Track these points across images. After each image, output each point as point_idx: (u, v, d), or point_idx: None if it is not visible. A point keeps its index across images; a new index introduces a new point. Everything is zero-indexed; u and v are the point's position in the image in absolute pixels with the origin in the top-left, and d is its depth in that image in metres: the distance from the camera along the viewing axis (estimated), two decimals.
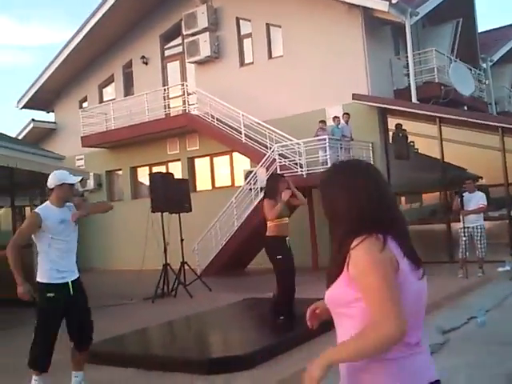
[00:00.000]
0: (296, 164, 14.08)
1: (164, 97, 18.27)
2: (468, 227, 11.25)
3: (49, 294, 4.61)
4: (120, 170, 20.06)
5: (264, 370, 5.39)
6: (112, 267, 19.03)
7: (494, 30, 22.02)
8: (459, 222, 12.08)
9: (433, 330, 6.84)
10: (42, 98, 21.42)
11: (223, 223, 14.98)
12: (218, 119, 16.18)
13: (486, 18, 54.59)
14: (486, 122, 13.12)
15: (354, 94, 14.29)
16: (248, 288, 11.79)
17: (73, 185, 4.87)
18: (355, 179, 2.06)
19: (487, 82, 17.95)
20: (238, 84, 16.78)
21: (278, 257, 7.04)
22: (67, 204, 4.87)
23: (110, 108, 19.17)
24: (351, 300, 1.94)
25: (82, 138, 19.00)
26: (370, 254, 1.90)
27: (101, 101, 20.65)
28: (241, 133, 15.54)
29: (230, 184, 17.49)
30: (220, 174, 18.04)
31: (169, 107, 18.24)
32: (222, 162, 17.97)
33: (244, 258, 15.32)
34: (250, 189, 14.53)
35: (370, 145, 14.66)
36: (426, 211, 15.55)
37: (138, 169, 19.89)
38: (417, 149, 15.68)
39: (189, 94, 17.22)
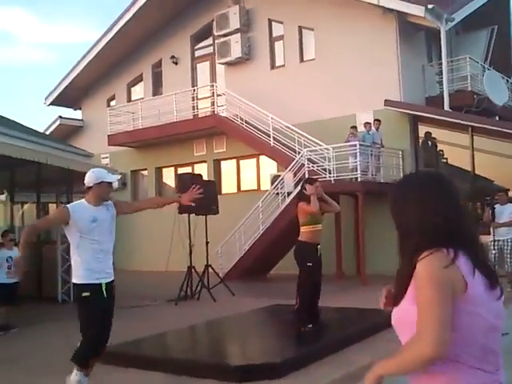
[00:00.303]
0: (325, 170, 13.91)
1: (193, 97, 18.22)
2: (498, 240, 10.97)
3: (84, 294, 4.50)
4: (145, 169, 20.04)
5: (295, 379, 5.22)
6: (134, 268, 18.99)
7: None
8: (488, 234, 11.85)
9: None
10: (70, 96, 21.52)
11: (248, 227, 14.83)
12: (246, 121, 16.07)
13: None
14: None
15: (386, 101, 14.07)
16: (271, 294, 11.61)
17: (111, 183, 4.74)
18: (427, 191, 1.94)
19: None
20: (268, 86, 16.65)
21: (308, 264, 6.86)
22: (105, 203, 4.74)
23: (137, 107, 19.18)
24: (414, 320, 1.79)
25: (108, 136, 19.02)
26: (432, 268, 1.78)
27: (129, 100, 20.68)
28: (269, 136, 15.41)
29: (255, 188, 17.35)
30: (246, 177, 17.90)
31: (197, 108, 18.16)
32: (248, 165, 17.83)
33: (267, 263, 15.15)
34: (277, 193, 14.36)
35: (400, 152, 14.41)
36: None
37: (164, 169, 19.85)
38: (446, 158, 15.41)
39: (218, 96, 17.11)
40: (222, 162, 18.17)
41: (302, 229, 7.03)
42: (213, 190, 12.07)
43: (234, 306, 10.01)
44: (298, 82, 16.28)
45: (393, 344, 6.50)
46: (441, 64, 16.05)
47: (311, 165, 13.94)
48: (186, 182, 11.23)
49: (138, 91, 20.80)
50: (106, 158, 20.40)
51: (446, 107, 14.15)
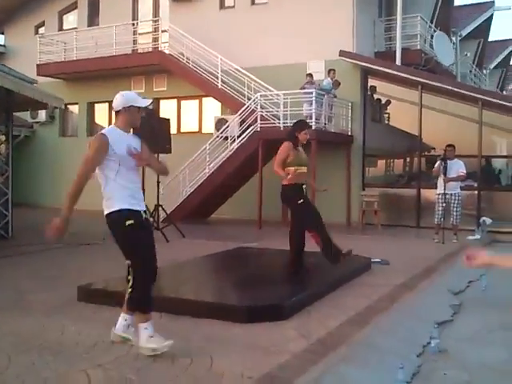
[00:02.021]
0: (274, 116, 13.72)
1: (134, 31, 17.31)
2: (446, 194, 11.32)
3: (128, 222, 4.06)
4: (76, 103, 18.93)
5: (301, 321, 5.13)
6: (59, 205, 18.07)
7: (465, 5, 22.19)
8: (431, 188, 12.26)
9: (445, 292, 6.81)
10: None
11: (192, 170, 14.44)
12: (192, 61, 15.49)
13: None
14: (471, 93, 13.14)
15: (340, 51, 13.95)
16: (221, 237, 11.53)
17: (140, 108, 4.26)
18: None
19: (468, 54, 18.07)
20: (215, 28, 16.02)
21: (299, 201, 6.71)
22: (131, 134, 4.33)
23: (71, 37, 17.99)
24: None
25: (38, 65, 17.78)
26: None
27: (60, 28, 19.33)
28: (217, 78, 14.95)
29: (197, 130, 16.90)
30: (187, 118, 17.34)
31: (137, 43, 17.29)
32: (190, 106, 17.28)
33: (209, 206, 14.93)
34: (226, 137, 14.03)
35: (350, 104, 14.45)
36: (397, 176, 15.62)
37: (96, 105, 18.88)
38: (388, 113, 15.67)
39: (163, 32, 16.31)
40: (162, 101, 17.47)
41: (286, 170, 6.78)
42: (167, 129, 11.61)
43: (193, 247, 9.79)
44: (248, 26, 15.79)
45: (373, 288, 6.63)
46: (389, 20, 16.15)
47: (262, 110, 13.68)
48: (142, 119, 10.66)
49: (70, 20, 19.44)
50: None
51: (398, 62, 14.25)
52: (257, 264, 7.74)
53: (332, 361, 4.08)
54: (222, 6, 16.52)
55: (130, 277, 4.19)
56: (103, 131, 4.20)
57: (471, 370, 4.27)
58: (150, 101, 4.36)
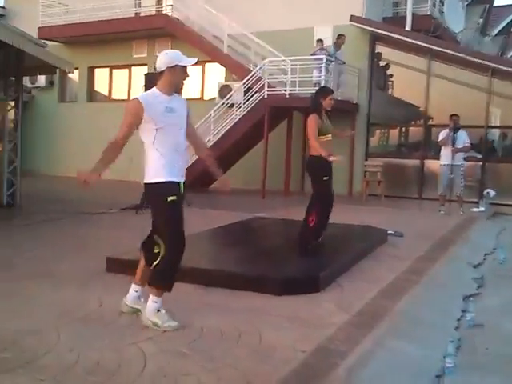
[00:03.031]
0: (280, 82, 13.56)
1: None
2: (454, 165, 11.31)
3: (170, 198, 3.93)
4: (76, 68, 18.48)
5: (335, 293, 5.13)
6: (59, 173, 17.97)
7: None
8: (435, 159, 12.26)
9: (465, 264, 6.85)
10: None
11: None
12: (199, 25, 15.21)
13: None
14: (486, 61, 12.95)
15: (352, 16, 13.72)
16: (228, 206, 11.40)
17: (186, 68, 4.06)
18: None
19: (480, 22, 17.83)
20: None
21: (324, 178, 6.62)
22: (178, 96, 4.18)
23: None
24: None
25: (39, 28, 17.35)
26: None
27: None
28: (223, 43, 14.70)
29: (199, 96, 16.69)
30: (189, 84, 17.04)
31: (140, 6, 16.92)
32: (193, 71, 16.91)
33: (211, 176, 14.74)
34: (232, 104, 13.85)
35: (357, 71, 14.29)
36: (400, 145, 15.58)
37: (97, 69, 18.55)
38: (392, 81, 15.53)
39: None
40: None
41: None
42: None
43: (202, 217, 9.72)
44: None
45: (396, 260, 6.63)
46: None
47: (269, 77, 13.50)
48: (155, 82, 10.48)
49: None
50: None
51: (408, 28, 14.05)
52: (275, 234, 7.73)
53: (379, 334, 4.09)
54: None
55: (158, 249, 4.10)
56: (138, 95, 4.06)
57: None
58: (196, 59, 4.13)
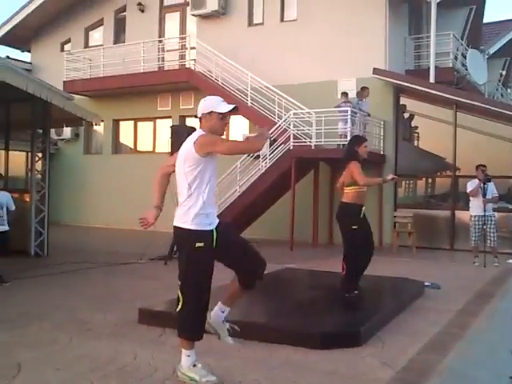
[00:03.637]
0: (305, 134, 13.56)
1: (158, 48, 17.28)
2: (484, 216, 11.13)
3: (198, 244, 3.81)
4: (102, 121, 18.79)
5: (376, 347, 4.90)
6: (83, 223, 18.01)
7: (490, 23, 22.00)
8: (464, 209, 12.09)
9: (508, 319, 6.57)
10: (19, 35, 19.87)
11: (222, 189, 14.18)
12: (222, 79, 15.41)
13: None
14: (508, 111, 12.89)
15: (374, 69, 13.78)
16: None
17: (224, 114, 3.93)
18: None
19: (503, 73, 17.87)
20: (243, 45, 15.91)
21: (353, 227, 6.46)
22: None
23: (97, 54, 18.03)
24: None
25: (64, 82, 17.72)
26: None
27: (86, 45, 19.32)
28: (247, 95, 14.85)
29: None
30: None
31: (163, 60, 17.25)
32: None
33: (239, 227, 14.67)
34: (258, 156, 13.85)
35: (382, 123, 14.28)
36: (429, 196, 15.37)
37: (121, 122, 18.81)
38: (417, 132, 15.49)
39: (191, 48, 16.25)
40: (188, 119, 17.35)
41: (347, 189, 6.58)
42: None
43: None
44: (276, 43, 15.66)
45: (436, 313, 6.37)
46: (419, 38, 16.05)
47: (294, 129, 13.53)
48: (180, 134, 10.54)
49: (96, 37, 19.41)
50: None
51: (432, 80, 14.08)
52: (309, 286, 7.51)
53: None
54: (250, 23, 16.42)
55: (180, 296, 3.92)
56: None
57: None
58: (232, 106, 3.97)
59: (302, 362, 4.42)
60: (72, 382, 3.74)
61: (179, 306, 3.89)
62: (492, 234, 11.13)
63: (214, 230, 3.93)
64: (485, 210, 11.04)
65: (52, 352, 4.49)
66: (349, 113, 12.65)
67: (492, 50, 20.14)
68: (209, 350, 4.63)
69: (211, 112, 3.94)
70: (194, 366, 3.89)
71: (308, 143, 13.36)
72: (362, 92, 13.50)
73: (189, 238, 3.85)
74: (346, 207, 6.59)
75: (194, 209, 3.85)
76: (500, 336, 5.73)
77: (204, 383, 3.81)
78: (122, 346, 4.68)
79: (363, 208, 6.66)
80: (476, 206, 11.19)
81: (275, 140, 13.69)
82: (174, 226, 3.94)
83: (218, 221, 4.01)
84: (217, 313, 4.12)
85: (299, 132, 13.65)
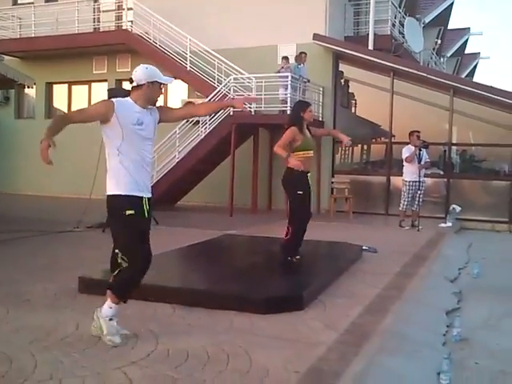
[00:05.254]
0: None
1: (94, 9, 16.66)
2: (419, 181, 11.46)
3: (128, 212, 3.82)
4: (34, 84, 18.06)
5: (318, 311, 4.99)
6: (16, 191, 17.41)
7: None
8: (397, 175, 12.44)
9: (442, 279, 6.85)
10: None
11: (160, 154, 13.98)
12: (160, 41, 15.04)
13: None
14: (446, 80, 13.20)
15: (315, 34, 13.79)
16: (197, 224, 11.21)
17: (161, 85, 4.02)
18: None
19: (438, 42, 18.20)
20: (183, 7, 15.52)
21: (298, 192, 6.50)
22: (149, 107, 4.05)
23: (28, 12, 17.15)
24: None
25: None
26: None
27: (15, 3, 18.37)
28: (186, 59, 14.56)
29: None
30: None
31: (98, 21, 16.65)
32: None
33: (177, 193, 14.58)
34: (197, 121, 13.69)
35: (321, 89, 14.35)
36: (366, 162, 15.66)
37: (55, 85, 18.13)
38: (355, 99, 15.69)
39: (129, 9, 15.73)
40: (125, 83, 16.87)
41: (292, 155, 6.56)
42: None
43: (172, 235, 9.50)
44: (217, 6, 15.35)
45: (374, 276, 6.59)
46: (359, 4, 16.12)
47: (234, 94, 13.40)
48: (119, 97, 10.24)
49: None
50: None
51: (370, 47, 14.21)
52: (251, 252, 7.56)
53: (370, 352, 3.97)
54: None
55: (120, 260, 3.96)
56: (114, 99, 3.92)
57: (500, 359, 4.27)
58: (172, 79, 4.14)
59: (247, 327, 4.46)
60: (11, 356, 3.62)
61: (119, 270, 3.98)
62: (421, 199, 11.54)
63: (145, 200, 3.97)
64: (419, 176, 11.40)
65: None
66: (289, 78, 12.62)
67: (428, 19, 20.49)
68: (153, 318, 4.61)
69: (155, 81, 3.97)
70: (111, 320, 3.96)
71: (248, 109, 13.28)
72: (300, 56, 13.49)
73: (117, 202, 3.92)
74: (290, 173, 6.55)
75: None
76: (435, 296, 5.97)
77: (106, 340, 3.89)
78: (63, 316, 4.58)
79: (309, 174, 6.67)
80: (411, 172, 11.50)
81: None
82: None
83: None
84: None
85: (240, 98, 13.52)
